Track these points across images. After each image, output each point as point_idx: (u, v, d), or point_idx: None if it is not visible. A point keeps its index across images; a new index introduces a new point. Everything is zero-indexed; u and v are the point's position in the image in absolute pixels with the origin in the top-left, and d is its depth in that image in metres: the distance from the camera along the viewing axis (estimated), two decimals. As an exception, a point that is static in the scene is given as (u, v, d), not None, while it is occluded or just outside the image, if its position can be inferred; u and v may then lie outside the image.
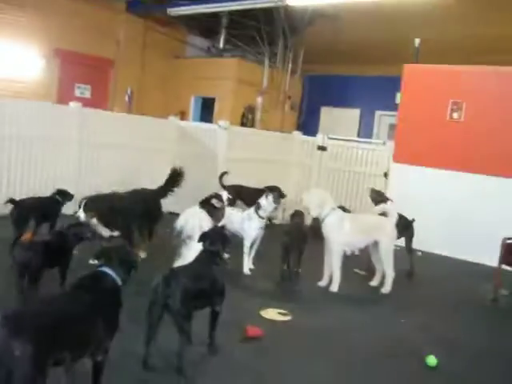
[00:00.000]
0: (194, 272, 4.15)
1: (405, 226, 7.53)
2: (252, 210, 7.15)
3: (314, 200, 6.60)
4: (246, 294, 6.17)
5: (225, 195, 6.94)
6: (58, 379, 3.26)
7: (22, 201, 6.54)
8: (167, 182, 7.78)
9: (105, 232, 6.12)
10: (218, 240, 4.47)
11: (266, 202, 7.08)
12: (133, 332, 4.25)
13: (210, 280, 4.22)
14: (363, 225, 6.73)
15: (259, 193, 7.76)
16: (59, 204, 6.83)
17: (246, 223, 7.06)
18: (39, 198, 6.92)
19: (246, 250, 7.04)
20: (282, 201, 7.91)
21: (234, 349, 4.57)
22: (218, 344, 4.45)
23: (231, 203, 7.79)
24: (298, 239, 7.00)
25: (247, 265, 7.05)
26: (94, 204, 6.25)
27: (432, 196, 9.56)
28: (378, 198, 7.94)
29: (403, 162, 10.01)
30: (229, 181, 9.83)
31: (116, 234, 6.33)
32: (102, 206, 6.35)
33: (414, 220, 7.80)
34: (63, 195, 6.92)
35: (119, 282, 3.46)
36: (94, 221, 6.16)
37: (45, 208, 6.67)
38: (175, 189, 7.86)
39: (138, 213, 6.88)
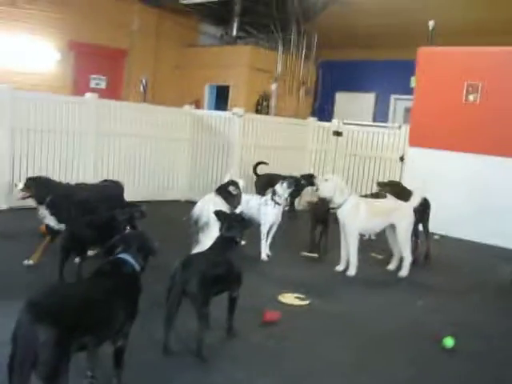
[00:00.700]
0: (210, 258, 4.22)
1: (422, 209, 7.54)
2: (269, 196, 7.25)
3: (330, 188, 6.63)
4: (264, 279, 6.24)
5: (241, 182, 7.00)
6: (80, 365, 3.36)
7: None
8: None
9: (52, 222, 5.89)
10: (235, 226, 4.53)
11: (281, 188, 7.18)
12: (152, 317, 4.34)
13: (227, 266, 4.29)
14: (379, 209, 6.77)
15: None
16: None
17: (262, 209, 7.15)
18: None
19: (263, 235, 7.12)
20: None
21: (251, 333, 4.65)
22: (236, 328, 4.52)
23: (263, 191, 7.98)
24: (323, 211, 7.32)
25: (264, 251, 7.13)
26: (34, 183, 5.94)
27: (449, 179, 9.55)
28: (396, 189, 7.95)
29: (419, 145, 10.01)
30: (243, 168, 9.93)
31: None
32: (45, 190, 5.91)
33: (429, 203, 7.80)
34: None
35: (138, 268, 3.54)
36: (44, 211, 5.88)
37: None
38: None
39: (95, 208, 6.18)
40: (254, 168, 10.09)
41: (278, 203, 7.16)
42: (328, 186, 6.64)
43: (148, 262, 3.67)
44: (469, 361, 4.58)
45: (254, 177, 10.06)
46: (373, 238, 8.41)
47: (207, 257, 4.25)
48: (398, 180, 9.24)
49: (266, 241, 7.17)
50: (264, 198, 7.32)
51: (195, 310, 3.97)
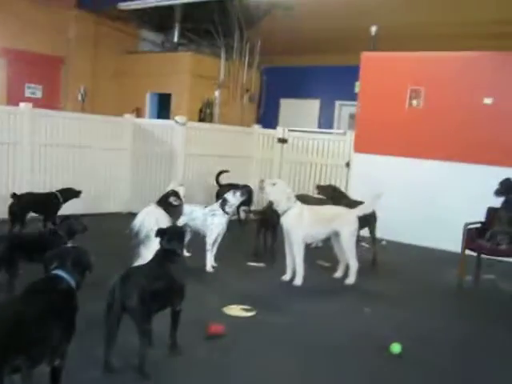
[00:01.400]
0: (150, 272, 4.17)
1: (367, 215, 7.64)
2: (216, 205, 7.24)
3: (277, 192, 6.66)
4: (209, 291, 6.21)
5: (182, 191, 6.96)
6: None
7: (21, 195, 7.66)
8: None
9: None
10: (175, 238, 4.50)
11: (234, 197, 7.19)
12: (92, 335, 4.26)
13: (168, 279, 4.24)
14: (322, 215, 6.84)
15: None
16: (58, 200, 7.84)
17: (209, 219, 7.12)
18: (37, 193, 8.07)
19: (208, 246, 7.09)
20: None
21: (196, 347, 4.61)
22: (180, 344, 4.47)
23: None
24: (271, 217, 7.49)
25: (210, 262, 7.11)
26: None
27: (394, 184, 9.71)
28: (334, 193, 8.25)
29: (364, 151, 10.17)
30: (187, 177, 9.93)
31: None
32: None
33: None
34: (65, 192, 8.00)
35: (74, 284, 3.47)
36: None
37: (41, 203, 7.76)
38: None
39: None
40: (217, 177, 10.17)
41: (227, 213, 7.16)
42: (275, 190, 6.67)
43: (85, 278, 3.60)
44: (416, 368, 4.65)
45: (216, 186, 10.17)
46: (319, 245, 8.49)
47: (147, 270, 4.20)
48: (336, 185, 9.35)
49: (212, 252, 7.14)
50: (209, 207, 7.28)
51: (136, 326, 3.92)
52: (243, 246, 8.52)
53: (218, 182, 10.15)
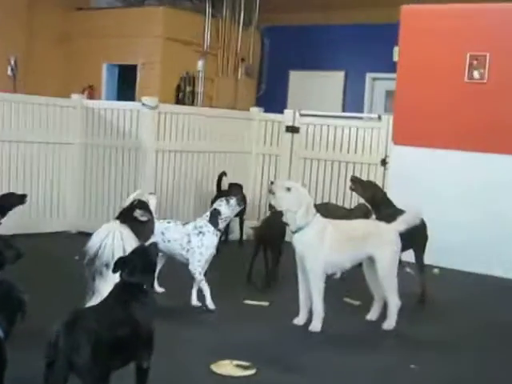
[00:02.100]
0: (107, 314, 4.14)
1: (413, 233, 7.58)
2: (203, 220, 7.22)
3: (292, 202, 6.62)
4: (191, 340, 6.18)
5: (153, 202, 6.94)
6: None
7: None
8: None
9: None
10: (140, 266, 4.47)
11: (227, 207, 7.21)
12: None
13: (132, 324, 4.21)
14: (352, 234, 6.83)
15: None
16: None
17: (194, 240, 7.10)
18: None
19: (198, 276, 7.08)
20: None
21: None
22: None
23: None
24: (272, 230, 7.62)
25: (195, 299, 7.18)
26: None
27: (450, 190, 9.67)
28: (375, 195, 8.19)
29: (408, 143, 10.15)
30: (161, 182, 9.97)
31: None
32: None
33: (425, 224, 7.88)
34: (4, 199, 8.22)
35: (1, 333, 3.46)
36: None
37: None
38: None
39: None
40: (218, 181, 10.35)
41: (219, 230, 7.20)
42: (289, 198, 6.63)
43: (15, 324, 3.59)
44: None
45: (215, 192, 10.30)
46: (344, 275, 8.49)
47: (103, 313, 4.16)
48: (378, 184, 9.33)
49: (205, 281, 7.12)
50: (193, 224, 7.25)
51: (87, 389, 3.91)
52: (238, 275, 8.52)
53: (219, 187, 10.29)
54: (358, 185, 8.51)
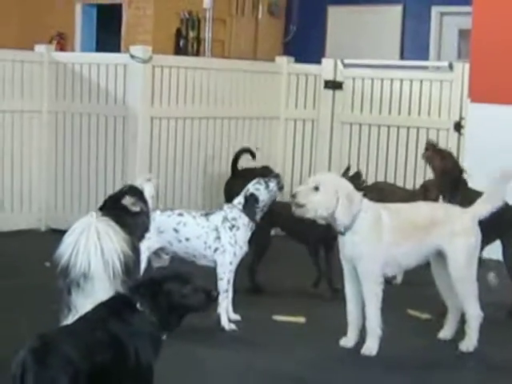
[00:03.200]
0: (88, 336, 4.18)
1: (499, 219, 7.53)
2: (234, 209, 7.26)
3: (323, 203, 6.63)
4: (204, 373, 6.21)
5: (149, 189, 6.93)
6: None
7: None
8: None
9: None
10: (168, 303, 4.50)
11: (265, 191, 7.25)
12: None
13: (122, 352, 4.24)
14: (413, 221, 6.83)
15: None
16: None
17: (225, 237, 7.15)
18: None
19: (223, 286, 7.13)
20: None
21: None
22: None
23: None
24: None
25: (225, 314, 7.17)
26: None
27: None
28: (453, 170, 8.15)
29: (489, 100, 10.10)
30: (157, 161, 9.99)
31: None
32: None
33: None
34: None
35: None
36: None
37: None
38: None
39: None
40: (235, 160, 10.32)
41: (255, 220, 7.24)
42: (321, 200, 6.64)
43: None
44: None
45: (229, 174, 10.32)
46: (399, 281, 8.54)
47: (82, 334, 4.22)
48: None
49: (229, 296, 7.20)
50: (218, 214, 7.31)
51: None
52: (272, 278, 8.63)
53: (235, 167, 10.29)
54: (435, 153, 8.43)
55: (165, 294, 4.43)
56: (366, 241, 6.62)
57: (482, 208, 6.90)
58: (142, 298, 4.47)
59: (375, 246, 6.63)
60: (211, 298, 4.58)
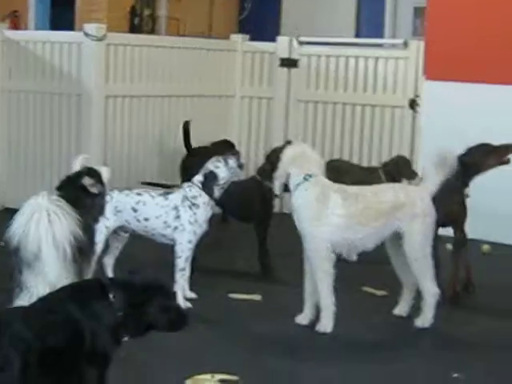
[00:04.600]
0: (42, 317, 4.17)
1: (450, 199, 7.65)
2: (194, 188, 7.26)
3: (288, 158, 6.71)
4: (161, 351, 6.21)
5: (106, 174, 6.90)
6: None
7: None
8: None
9: None
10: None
11: (225, 169, 7.27)
12: None
13: (76, 333, 4.23)
14: (368, 203, 6.85)
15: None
16: None
17: (185, 215, 7.17)
18: None
19: (181, 264, 7.19)
20: None
21: None
22: None
23: None
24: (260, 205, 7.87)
25: (182, 292, 7.17)
26: None
27: (506, 140, 9.64)
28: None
29: (445, 77, 10.15)
30: (112, 141, 9.97)
31: None
32: None
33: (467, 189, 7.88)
34: None
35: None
36: None
37: None
38: None
39: None
40: (186, 135, 10.31)
41: (215, 199, 7.29)
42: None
43: None
44: None
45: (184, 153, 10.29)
46: (354, 258, 8.57)
47: (38, 313, 4.21)
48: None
49: (186, 273, 7.24)
50: (180, 193, 7.32)
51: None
52: (219, 260, 8.68)
53: (187, 143, 10.24)
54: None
55: (142, 301, 4.42)
56: (305, 220, 6.70)
57: (433, 187, 6.98)
58: (116, 292, 4.46)
59: (317, 227, 6.66)
60: (185, 323, 4.59)
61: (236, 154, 7.55)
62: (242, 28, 14.53)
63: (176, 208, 7.18)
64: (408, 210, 6.85)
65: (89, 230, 6.13)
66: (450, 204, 7.61)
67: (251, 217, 8.31)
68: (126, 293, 4.40)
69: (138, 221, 7.22)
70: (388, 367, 6.16)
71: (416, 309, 7.05)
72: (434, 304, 6.92)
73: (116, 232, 7.45)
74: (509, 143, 7.54)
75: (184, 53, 11.49)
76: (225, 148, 9.61)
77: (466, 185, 7.66)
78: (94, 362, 4.35)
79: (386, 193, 7.08)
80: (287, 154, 6.85)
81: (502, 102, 9.84)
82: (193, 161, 9.53)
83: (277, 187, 6.86)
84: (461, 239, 7.94)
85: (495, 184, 8.80)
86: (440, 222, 7.34)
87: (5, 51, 10.85)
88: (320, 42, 11.75)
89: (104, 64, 10.48)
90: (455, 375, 6.01)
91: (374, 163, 10.45)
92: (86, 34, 10.45)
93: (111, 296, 4.39)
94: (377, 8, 15.48)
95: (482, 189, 7.93)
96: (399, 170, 8.71)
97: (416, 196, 6.97)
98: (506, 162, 7.61)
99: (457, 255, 7.90)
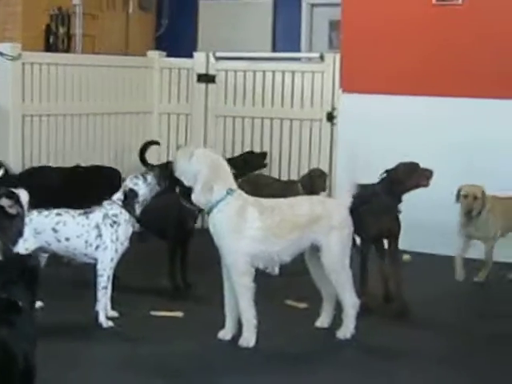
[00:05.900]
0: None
1: (384, 215, 7.73)
2: (114, 205, 7.22)
3: (198, 167, 6.65)
4: (92, 366, 6.20)
5: (24, 197, 6.83)
6: None
7: None
8: None
9: None
10: (18, 279, 4.46)
11: (145, 185, 7.25)
12: None
13: (7, 357, 4.18)
14: (284, 215, 6.86)
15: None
16: None
17: (107, 233, 7.13)
18: None
19: (102, 283, 7.14)
20: None
21: None
22: None
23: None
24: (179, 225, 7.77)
25: (104, 311, 7.16)
26: None
27: (420, 151, 9.66)
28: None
29: (361, 90, 10.23)
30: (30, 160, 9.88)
31: None
32: None
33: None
34: None
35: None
36: None
37: None
38: None
39: None
40: (142, 152, 10.28)
41: (135, 216, 7.24)
42: (190, 169, 6.68)
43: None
44: None
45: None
46: (275, 272, 8.61)
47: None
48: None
49: (107, 292, 7.18)
50: (100, 211, 7.25)
51: None
52: (140, 278, 8.68)
53: (143, 160, 10.27)
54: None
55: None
56: (226, 235, 6.66)
57: (347, 198, 7.07)
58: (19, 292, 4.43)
59: (236, 241, 6.64)
60: None
61: (155, 170, 7.50)
62: (159, 44, 14.53)
63: (97, 226, 7.12)
64: (325, 222, 6.88)
65: (7, 251, 6.08)
66: (383, 219, 7.71)
67: (167, 233, 8.27)
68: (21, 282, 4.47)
69: (59, 241, 7.13)
70: (312, 379, 6.18)
71: (339, 320, 7.09)
72: (355, 315, 6.96)
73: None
74: (430, 169, 7.61)
75: (101, 70, 11.45)
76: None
77: (399, 200, 7.72)
78: (27, 380, 4.32)
79: (302, 206, 7.08)
80: (207, 163, 6.68)
81: (417, 112, 9.93)
82: None
83: (204, 201, 6.75)
84: (394, 253, 8.02)
85: (414, 195, 8.90)
86: (375, 237, 7.47)
87: None
88: (237, 56, 11.78)
89: (20, 83, 10.39)
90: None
91: (294, 177, 10.54)
92: (1, 54, 10.34)
93: (20, 303, 4.39)
94: (293, 22, 15.56)
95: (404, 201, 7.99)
96: (312, 182, 8.83)
97: (333, 208, 7.01)
98: (425, 185, 7.68)
99: (391, 268, 7.98)
